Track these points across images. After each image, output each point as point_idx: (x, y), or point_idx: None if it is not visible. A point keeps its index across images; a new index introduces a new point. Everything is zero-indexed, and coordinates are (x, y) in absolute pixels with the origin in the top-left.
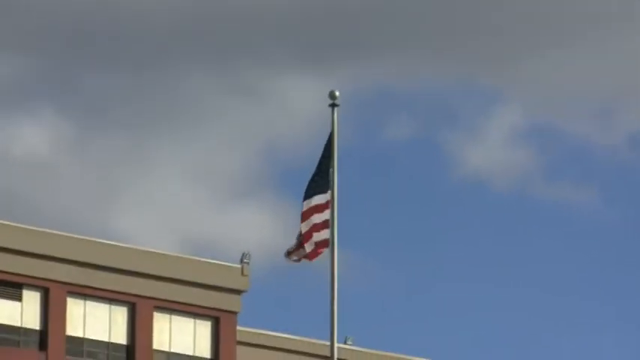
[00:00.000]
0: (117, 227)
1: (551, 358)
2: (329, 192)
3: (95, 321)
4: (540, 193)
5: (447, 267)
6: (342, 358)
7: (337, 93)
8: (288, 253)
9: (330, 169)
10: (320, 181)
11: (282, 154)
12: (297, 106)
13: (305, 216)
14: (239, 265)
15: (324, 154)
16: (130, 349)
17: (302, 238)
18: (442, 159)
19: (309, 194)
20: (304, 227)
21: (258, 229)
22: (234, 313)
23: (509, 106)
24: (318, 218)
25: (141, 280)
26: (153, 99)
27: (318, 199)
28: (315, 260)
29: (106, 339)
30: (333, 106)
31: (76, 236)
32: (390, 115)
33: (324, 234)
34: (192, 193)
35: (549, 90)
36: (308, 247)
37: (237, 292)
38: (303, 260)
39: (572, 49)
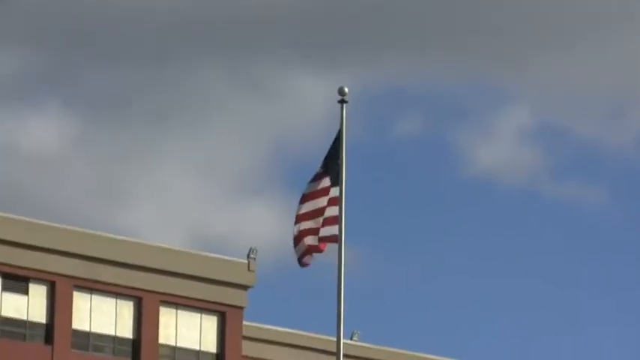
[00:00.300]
0: (124, 222)
1: (564, 355)
2: (337, 188)
3: (101, 315)
4: (548, 192)
5: (455, 264)
6: (348, 353)
7: (346, 89)
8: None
9: (338, 166)
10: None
11: (291, 150)
12: (306, 103)
13: (300, 218)
14: (245, 261)
15: (331, 150)
16: (135, 343)
17: (296, 241)
18: (450, 156)
19: (304, 197)
20: (297, 229)
21: (266, 225)
22: (241, 308)
23: (518, 105)
24: (314, 222)
25: (147, 275)
26: (161, 95)
27: (319, 202)
28: (308, 265)
29: (112, 333)
30: (342, 102)
31: (82, 230)
32: (399, 113)
33: (328, 230)
34: (200, 188)
35: (556, 89)
36: (299, 250)
37: (244, 287)
38: (298, 263)
39: (573, 49)
